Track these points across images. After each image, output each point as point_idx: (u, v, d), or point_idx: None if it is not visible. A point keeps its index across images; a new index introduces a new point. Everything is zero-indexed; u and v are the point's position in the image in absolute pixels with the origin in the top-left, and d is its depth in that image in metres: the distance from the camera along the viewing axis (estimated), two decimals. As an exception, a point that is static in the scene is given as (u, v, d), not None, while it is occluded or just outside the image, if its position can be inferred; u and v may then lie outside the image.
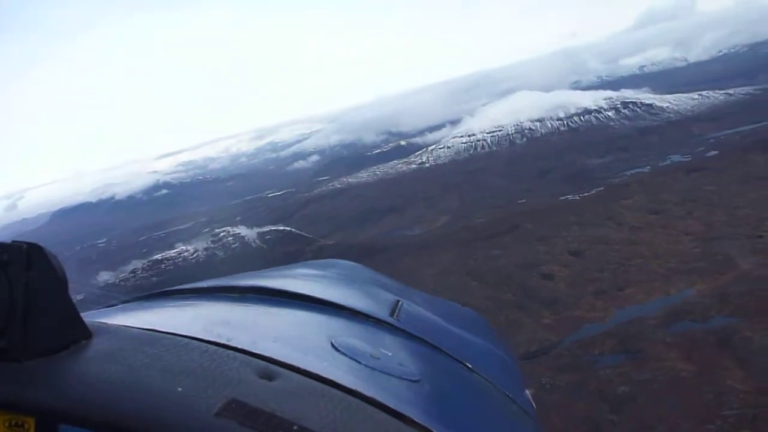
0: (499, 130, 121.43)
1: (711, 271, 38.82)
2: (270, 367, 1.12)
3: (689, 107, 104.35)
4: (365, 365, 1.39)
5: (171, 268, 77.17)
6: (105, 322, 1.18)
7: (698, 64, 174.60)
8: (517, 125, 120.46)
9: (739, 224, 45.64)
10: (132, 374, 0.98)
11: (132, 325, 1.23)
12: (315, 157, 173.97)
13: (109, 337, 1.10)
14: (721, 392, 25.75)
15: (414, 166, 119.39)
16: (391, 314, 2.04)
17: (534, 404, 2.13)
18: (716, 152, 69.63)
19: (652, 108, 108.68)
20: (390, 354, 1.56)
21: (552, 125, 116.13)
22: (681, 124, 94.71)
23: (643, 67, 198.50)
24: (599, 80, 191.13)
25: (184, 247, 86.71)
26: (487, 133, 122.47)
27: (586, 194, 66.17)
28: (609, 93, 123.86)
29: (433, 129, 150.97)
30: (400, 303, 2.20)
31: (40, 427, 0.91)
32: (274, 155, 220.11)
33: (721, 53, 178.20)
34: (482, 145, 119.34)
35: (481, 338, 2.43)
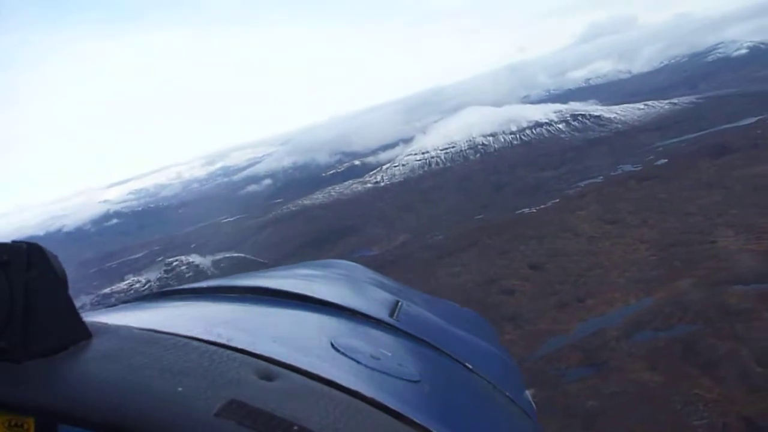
0: (453, 147, 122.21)
1: (669, 278, 39.19)
2: (270, 367, 1.12)
3: (636, 117, 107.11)
4: (365, 366, 1.40)
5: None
6: (105, 323, 1.19)
7: (641, 76, 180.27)
8: (470, 141, 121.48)
9: (692, 230, 46.46)
10: (132, 374, 0.98)
11: (132, 326, 1.24)
12: (268, 181, 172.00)
13: (109, 338, 1.11)
14: (689, 402, 25.66)
15: (369, 185, 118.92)
16: (391, 314, 2.05)
17: (534, 405, 2.12)
18: (665, 160, 71.32)
19: (601, 119, 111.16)
20: (390, 354, 1.57)
21: (504, 139, 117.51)
22: (629, 134, 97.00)
23: (589, 79, 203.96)
24: (548, 94, 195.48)
25: (135, 278, 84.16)
26: (441, 149, 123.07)
27: (542, 207, 66.68)
28: (558, 106, 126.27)
29: (386, 148, 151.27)
30: (399, 303, 2.21)
31: (39, 428, 0.91)
32: (227, 180, 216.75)
33: (662, 64, 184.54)
34: (436, 162, 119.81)
35: (481, 339, 2.42)
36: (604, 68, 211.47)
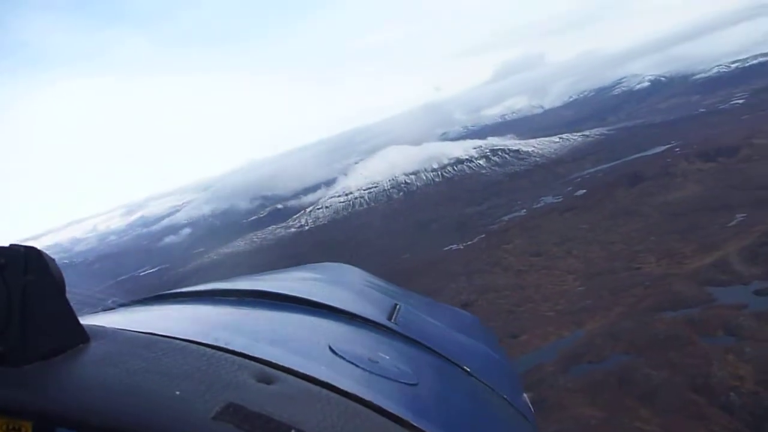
0: (375, 186, 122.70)
1: (598, 308, 39.54)
2: (268, 370, 1.13)
3: (552, 150, 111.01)
4: (363, 369, 1.41)
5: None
6: (103, 326, 1.20)
7: (554, 110, 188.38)
8: (393, 180, 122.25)
9: (615, 258, 47.49)
10: (129, 378, 0.99)
11: (130, 329, 1.25)
12: (188, 230, 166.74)
13: (106, 341, 1.11)
14: (632, 436, 25.33)
15: (293, 229, 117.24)
16: (389, 318, 2.06)
17: (532, 408, 2.13)
18: (584, 191, 73.59)
19: (519, 153, 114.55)
20: (388, 357, 1.59)
21: (427, 177, 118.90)
22: (547, 167, 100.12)
23: (505, 115, 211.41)
24: (466, 130, 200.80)
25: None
26: (364, 190, 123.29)
27: (469, 243, 67.03)
28: (477, 142, 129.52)
29: (308, 191, 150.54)
30: (398, 306, 2.23)
31: None
32: (146, 230, 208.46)
33: (572, 99, 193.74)
34: (360, 202, 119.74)
35: (479, 342, 2.43)
36: (517, 104, 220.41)
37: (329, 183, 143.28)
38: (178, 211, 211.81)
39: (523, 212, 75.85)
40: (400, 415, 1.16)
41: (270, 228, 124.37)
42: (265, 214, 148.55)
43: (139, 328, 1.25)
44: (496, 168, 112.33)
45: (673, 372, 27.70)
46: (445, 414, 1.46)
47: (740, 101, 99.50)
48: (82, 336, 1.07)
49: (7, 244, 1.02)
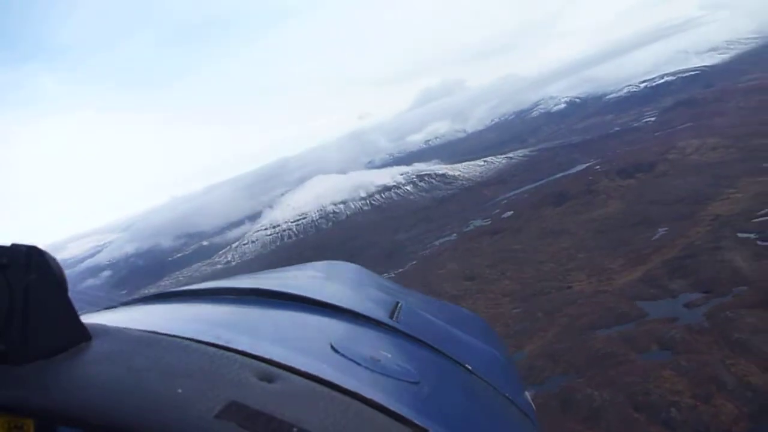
0: (303, 218, 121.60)
1: (535, 330, 39.65)
2: (269, 369, 1.14)
3: (478, 173, 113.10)
4: (365, 367, 1.42)
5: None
6: (104, 325, 1.20)
7: (476, 134, 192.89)
8: (321, 210, 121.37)
9: (547, 278, 48.08)
10: (131, 376, 1.00)
11: (131, 327, 1.25)
12: (109, 271, 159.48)
13: (108, 339, 1.12)
14: (579, 461, 25.09)
15: (219, 266, 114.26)
16: (391, 316, 2.08)
17: (534, 406, 2.15)
18: (512, 212, 74.85)
19: (446, 177, 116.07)
20: (389, 356, 1.59)
21: (355, 206, 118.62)
22: (474, 190, 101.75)
23: (429, 141, 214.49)
24: (391, 157, 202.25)
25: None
26: (292, 221, 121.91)
27: (401, 270, 66.68)
28: (403, 168, 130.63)
29: (233, 226, 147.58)
30: (399, 305, 2.24)
31: (39, 430, 0.92)
32: (66, 273, 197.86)
33: (493, 122, 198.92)
34: (288, 234, 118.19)
35: (480, 340, 2.44)
36: (441, 129, 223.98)
37: (255, 217, 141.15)
38: (99, 251, 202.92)
39: (453, 236, 76.32)
40: (402, 414, 1.17)
41: (195, 265, 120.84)
42: (189, 251, 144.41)
43: (141, 326, 1.27)
44: (424, 193, 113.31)
45: (614, 391, 27.76)
46: (446, 412, 1.46)
47: (651, 119, 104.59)
48: (84, 334, 1.08)
49: (8, 244, 1.02)
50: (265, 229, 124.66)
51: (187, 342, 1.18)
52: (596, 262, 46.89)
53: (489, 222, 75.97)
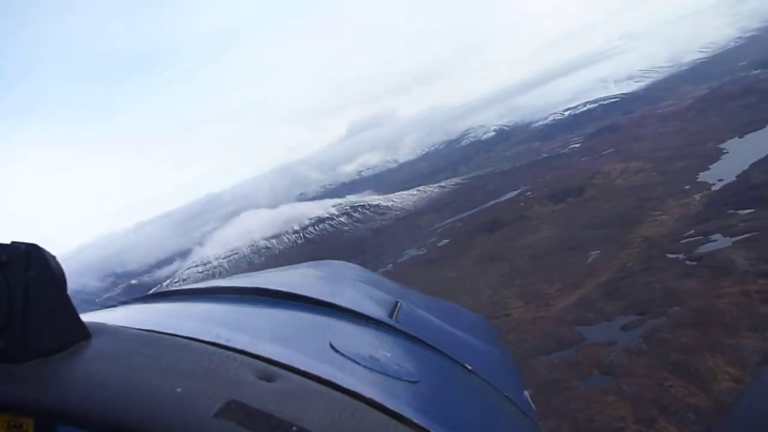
0: (235, 253, 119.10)
1: (476, 359, 39.32)
2: (269, 368, 1.15)
3: (411, 203, 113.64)
4: (364, 366, 1.43)
5: None
6: (104, 323, 1.21)
7: (408, 164, 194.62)
8: (253, 245, 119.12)
9: (485, 306, 47.95)
10: (131, 375, 1.00)
11: (131, 326, 1.26)
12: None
13: (108, 338, 1.13)
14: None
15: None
16: (390, 315, 2.08)
17: (533, 406, 2.17)
18: (447, 240, 75.17)
19: (379, 208, 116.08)
20: (389, 355, 1.60)
21: (288, 239, 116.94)
22: (408, 220, 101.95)
23: (361, 171, 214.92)
24: (324, 189, 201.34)
25: None
26: (223, 258, 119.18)
27: (336, 304, 65.48)
28: (336, 200, 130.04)
29: (162, 264, 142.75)
30: (399, 304, 2.24)
31: (39, 428, 0.92)
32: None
33: (424, 152, 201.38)
34: (219, 271, 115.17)
35: (480, 340, 2.45)
36: (372, 160, 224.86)
37: (185, 254, 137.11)
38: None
39: (389, 267, 75.76)
40: (401, 413, 1.18)
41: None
42: (118, 291, 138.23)
43: (141, 325, 1.27)
44: (358, 224, 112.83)
45: (559, 419, 27.46)
46: (446, 411, 1.47)
47: (577, 145, 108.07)
48: (84, 333, 1.09)
49: (8, 242, 1.03)
50: (196, 266, 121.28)
51: (187, 341, 1.19)
52: (533, 288, 47.25)
53: (424, 251, 75.96)
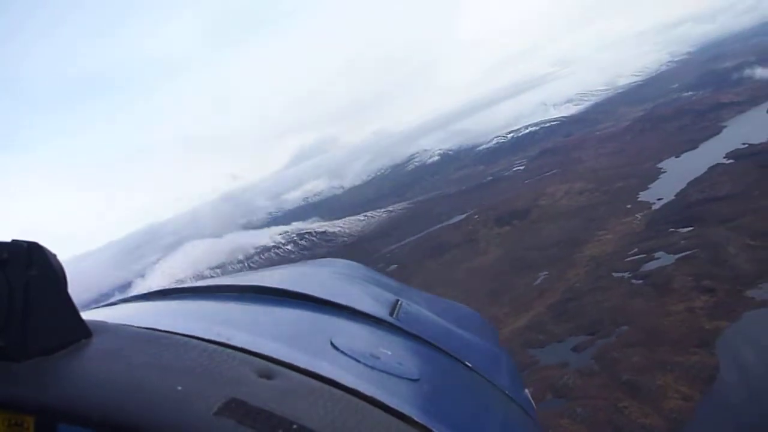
0: (179, 285, 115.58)
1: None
2: (269, 366, 1.15)
3: (359, 228, 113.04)
4: (365, 364, 1.43)
5: None
6: (105, 321, 1.22)
7: (354, 189, 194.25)
8: (197, 276, 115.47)
9: (436, 331, 47.69)
10: (131, 373, 1.01)
11: (132, 324, 1.27)
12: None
13: (108, 336, 1.13)
14: None
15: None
16: (391, 313, 2.08)
17: (534, 404, 2.18)
18: (396, 265, 74.66)
19: (326, 234, 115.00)
20: (389, 353, 1.60)
21: (234, 269, 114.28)
22: (356, 245, 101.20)
23: (307, 198, 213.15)
24: (270, 217, 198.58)
25: None
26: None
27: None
28: (282, 228, 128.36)
29: (103, 298, 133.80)
30: (399, 302, 2.24)
31: (39, 427, 0.92)
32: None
33: (370, 177, 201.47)
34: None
35: (480, 338, 2.45)
36: (318, 186, 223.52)
37: (125, 287, 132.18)
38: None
39: (338, 295, 74.84)
40: (401, 411, 1.18)
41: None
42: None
43: (141, 323, 1.28)
44: (305, 252, 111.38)
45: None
46: (446, 409, 1.47)
47: (521, 167, 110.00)
48: (84, 331, 1.09)
49: (8, 240, 1.03)
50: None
51: (187, 339, 1.19)
52: (483, 311, 46.29)
53: (373, 277, 75.25)
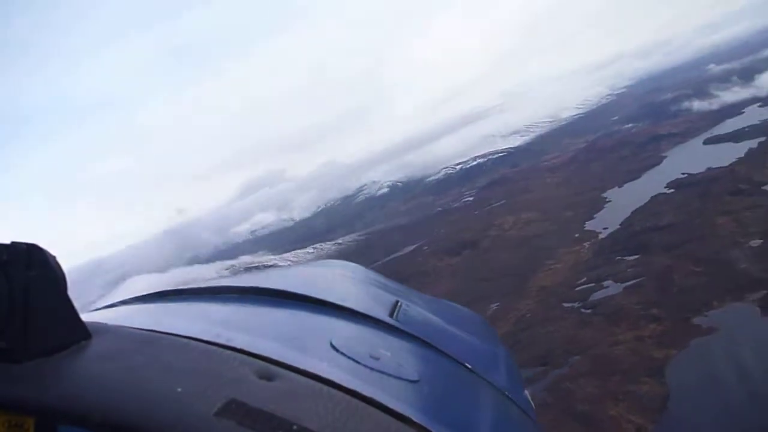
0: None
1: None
2: (269, 367, 1.15)
3: (308, 261, 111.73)
4: (364, 365, 1.43)
5: None
6: (104, 323, 1.22)
7: (303, 222, 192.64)
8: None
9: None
10: (131, 374, 1.01)
11: (131, 326, 1.27)
12: None
13: (108, 338, 1.13)
14: None
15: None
16: (391, 314, 2.09)
17: (533, 405, 2.18)
18: (345, 299, 73.98)
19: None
20: (389, 354, 1.60)
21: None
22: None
23: (255, 231, 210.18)
24: (216, 250, 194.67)
25: None
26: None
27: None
28: (229, 262, 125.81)
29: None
30: (399, 303, 2.25)
31: (39, 428, 0.93)
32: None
33: (320, 209, 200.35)
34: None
35: (480, 339, 2.47)
36: (266, 219, 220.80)
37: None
38: None
39: (287, 330, 73.49)
40: (401, 412, 1.18)
41: None
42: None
43: (141, 324, 1.29)
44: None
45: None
46: (446, 410, 1.48)
47: (470, 198, 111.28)
48: (84, 332, 1.09)
49: (8, 241, 1.03)
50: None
51: (187, 340, 1.19)
52: (435, 344, 46.85)
53: (323, 311, 74.25)
